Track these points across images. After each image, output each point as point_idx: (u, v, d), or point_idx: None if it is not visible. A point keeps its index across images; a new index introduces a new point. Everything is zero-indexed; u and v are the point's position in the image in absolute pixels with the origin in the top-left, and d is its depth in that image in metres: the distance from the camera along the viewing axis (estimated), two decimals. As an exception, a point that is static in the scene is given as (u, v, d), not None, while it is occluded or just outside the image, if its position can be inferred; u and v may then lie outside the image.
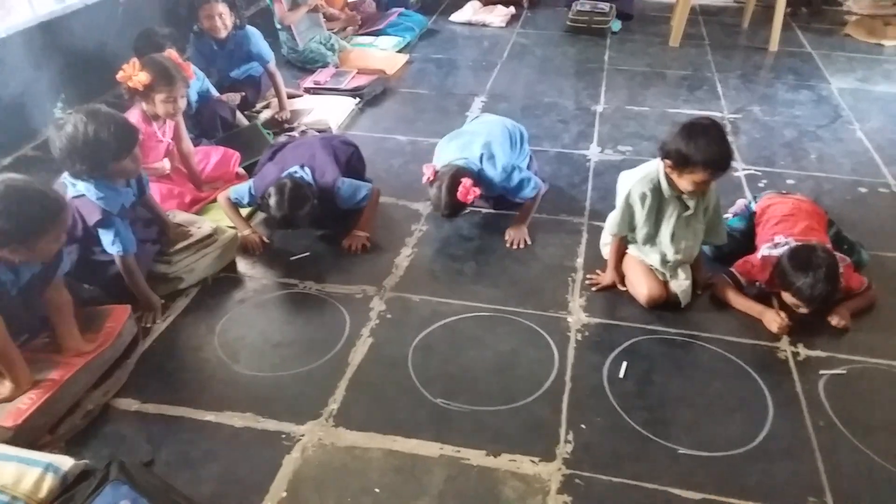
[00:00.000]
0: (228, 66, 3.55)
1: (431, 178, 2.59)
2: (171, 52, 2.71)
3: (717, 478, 1.74)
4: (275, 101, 3.61)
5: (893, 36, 5.06)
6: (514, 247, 2.64)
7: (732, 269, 2.38)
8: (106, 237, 2.10)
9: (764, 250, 2.34)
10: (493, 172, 2.65)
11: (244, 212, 2.72)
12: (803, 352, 2.16)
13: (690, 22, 5.11)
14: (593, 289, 2.42)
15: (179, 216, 2.49)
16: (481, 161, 2.64)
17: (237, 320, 2.25)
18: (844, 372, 2.07)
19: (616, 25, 5.18)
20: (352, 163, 2.88)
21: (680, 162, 2.14)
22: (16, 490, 1.51)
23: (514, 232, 2.68)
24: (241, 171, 3.01)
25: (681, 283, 2.33)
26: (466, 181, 2.51)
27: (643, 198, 2.27)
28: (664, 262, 2.34)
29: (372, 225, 2.69)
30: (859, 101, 4.04)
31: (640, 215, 2.30)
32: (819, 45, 4.99)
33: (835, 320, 2.24)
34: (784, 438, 1.86)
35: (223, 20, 3.38)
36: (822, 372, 2.07)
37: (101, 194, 2.08)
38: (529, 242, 2.66)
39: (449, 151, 2.72)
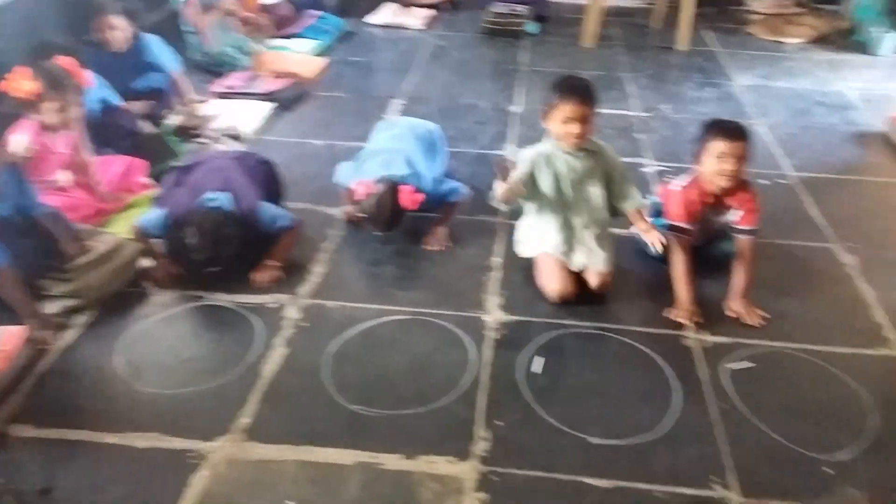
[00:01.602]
0: (129, 78, 3.40)
1: (367, 193, 2.48)
2: (63, 59, 2.57)
3: (627, 465, 1.79)
4: (181, 107, 3.50)
5: (794, 34, 5.33)
6: (436, 249, 2.64)
7: (668, 223, 2.41)
8: None
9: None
10: (425, 185, 2.61)
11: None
12: (708, 339, 2.24)
13: (603, 23, 5.24)
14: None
15: (80, 230, 2.38)
16: (405, 180, 2.56)
17: (141, 337, 2.17)
18: (753, 365, 2.15)
19: (532, 27, 5.27)
20: (269, 183, 2.70)
21: (547, 107, 2.35)
22: None
23: (434, 235, 2.68)
24: (146, 180, 2.91)
25: (595, 254, 2.40)
26: (406, 188, 2.48)
27: (537, 159, 2.39)
28: (567, 227, 2.41)
29: (285, 256, 2.51)
30: (761, 98, 4.23)
31: (524, 176, 2.36)
32: (724, 44, 5.21)
33: (749, 319, 2.32)
34: (690, 423, 1.93)
35: (119, 33, 3.25)
36: (728, 366, 2.13)
37: None
38: (450, 244, 2.66)
39: (371, 170, 2.60)
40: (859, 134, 3.77)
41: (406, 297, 2.39)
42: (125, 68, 3.38)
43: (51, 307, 2.20)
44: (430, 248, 2.64)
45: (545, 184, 2.41)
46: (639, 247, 2.62)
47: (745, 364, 2.14)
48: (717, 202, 2.41)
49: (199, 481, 1.69)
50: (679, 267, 2.36)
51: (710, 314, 2.32)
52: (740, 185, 2.38)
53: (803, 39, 5.27)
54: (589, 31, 5.03)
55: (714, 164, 2.32)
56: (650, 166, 3.34)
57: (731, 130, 2.33)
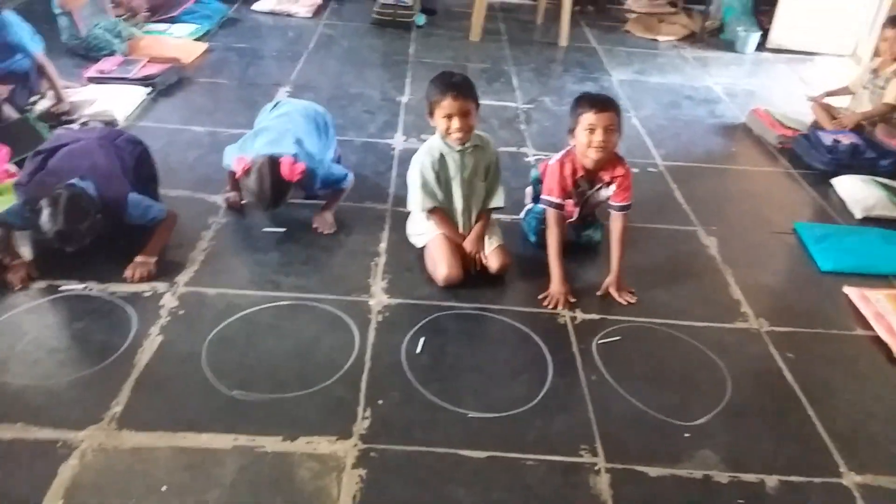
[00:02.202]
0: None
1: (246, 168, 2.44)
2: None
3: (502, 436, 1.88)
4: (50, 92, 3.32)
5: (667, 32, 5.67)
6: (323, 232, 2.64)
7: (544, 199, 2.49)
8: None
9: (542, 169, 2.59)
10: (316, 165, 2.59)
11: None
12: (580, 315, 2.38)
13: (490, 18, 5.39)
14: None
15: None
16: (297, 158, 2.53)
17: (6, 328, 2.07)
18: (618, 339, 2.29)
19: (420, 19, 5.33)
20: (140, 166, 2.56)
21: (430, 106, 2.42)
22: None
23: (321, 218, 2.68)
24: (11, 167, 2.74)
25: (489, 243, 2.51)
26: (287, 159, 2.43)
27: (430, 163, 2.46)
28: (461, 217, 2.53)
29: (159, 250, 2.41)
30: (635, 92, 4.49)
31: (434, 183, 2.46)
32: (603, 40, 5.47)
33: (620, 297, 2.45)
34: (561, 395, 2.04)
35: None
36: (598, 339, 2.27)
37: None
38: (335, 228, 2.68)
39: (256, 148, 2.56)
40: (722, 126, 4.07)
41: (291, 283, 2.39)
42: None
43: None
44: (320, 231, 2.64)
45: (440, 183, 2.49)
46: (522, 231, 2.75)
47: (613, 338, 2.29)
48: (591, 176, 2.49)
49: (67, 471, 1.64)
50: (553, 242, 2.45)
51: (582, 293, 2.46)
52: (613, 159, 2.46)
53: (675, 37, 5.62)
54: (476, 25, 5.14)
55: (584, 135, 2.38)
56: (532, 155, 3.48)
57: (600, 101, 2.38)
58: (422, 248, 2.57)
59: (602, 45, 5.36)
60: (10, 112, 3.08)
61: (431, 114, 2.43)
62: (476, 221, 2.55)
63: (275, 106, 2.89)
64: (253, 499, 1.63)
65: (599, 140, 2.37)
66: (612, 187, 2.49)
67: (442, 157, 2.48)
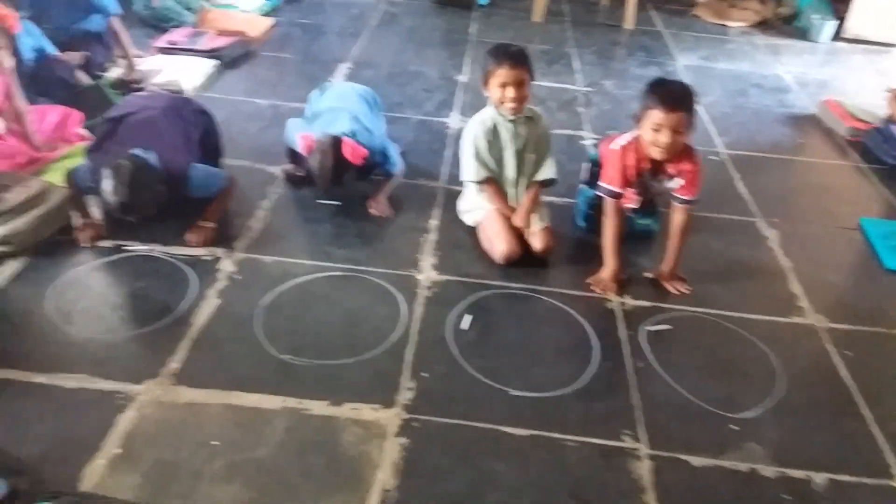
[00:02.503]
0: (66, 18, 3.31)
1: (310, 147, 2.50)
2: None
3: (543, 415, 1.88)
4: (122, 60, 3.44)
5: (738, 18, 5.49)
6: (380, 215, 2.65)
7: (602, 186, 2.38)
8: None
9: (606, 151, 2.42)
10: (371, 142, 2.61)
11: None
12: (629, 302, 2.35)
13: (554, -1, 5.31)
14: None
15: (5, 175, 2.33)
16: (355, 135, 2.57)
17: (73, 283, 2.17)
18: (669, 327, 2.25)
19: (483, -1, 5.30)
20: (206, 137, 2.60)
21: (485, 76, 2.44)
22: None
23: (377, 203, 2.68)
24: (82, 131, 2.86)
25: (535, 223, 2.49)
26: (350, 141, 2.48)
27: (483, 132, 2.47)
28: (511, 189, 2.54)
29: (220, 216, 2.48)
30: (701, 77, 4.37)
31: (486, 152, 2.48)
32: (670, 24, 5.34)
33: (672, 287, 2.40)
34: (606, 379, 2.03)
35: None
36: (648, 327, 2.24)
37: None
38: (392, 212, 2.68)
39: (318, 127, 2.60)
40: (791, 116, 3.93)
41: (342, 255, 2.43)
42: (62, 5, 3.28)
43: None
44: (376, 215, 2.65)
45: (493, 153, 2.50)
46: (576, 212, 2.73)
47: (663, 326, 2.26)
48: (657, 167, 2.36)
49: (125, 421, 1.72)
50: (609, 231, 2.38)
51: (633, 280, 2.43)
52: (683, 153, 2.32)
53: (746, 24, 5.43)
54: (539, 5, 5.08)
55: (649, 133, 2.24)
56: (589, 139, 3.44)
57: (672, 99, 2.19)
58: (474, 227, 2.58)
59: (669, 29, 5.22)
60: (84, 78, 3.20)
61: (486, 83, 2.44)
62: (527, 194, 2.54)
63: (322, 90, 2.90)
64: (298, 458, 1.68)
65: (665, 142, 2.22)
66: (678, 180, 2.36)
67: (495, 126, 2.48)
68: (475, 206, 2.57)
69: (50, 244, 2.31)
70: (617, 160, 2.35)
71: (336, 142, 2.46)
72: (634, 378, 2.04)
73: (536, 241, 2.47)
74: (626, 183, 2.36)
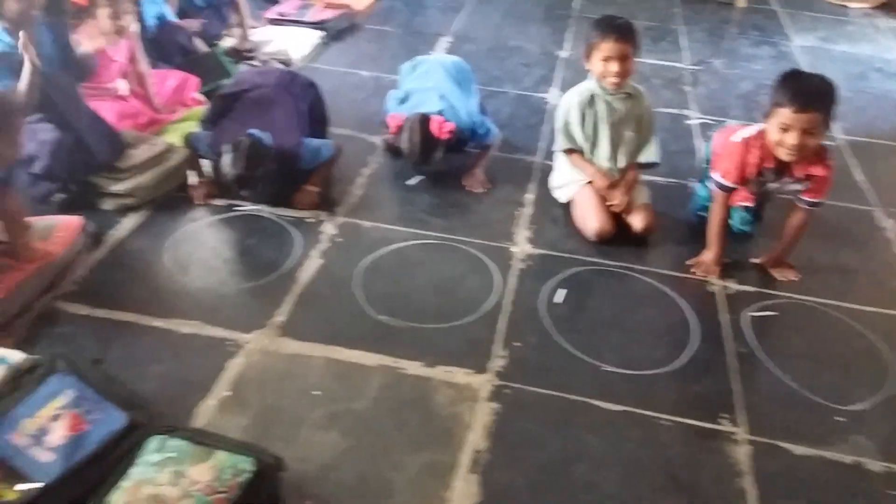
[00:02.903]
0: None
1: (398, 126, 2.54)
2: None
3: (636, 392, 1.86)
4: (236, 30, 3.58)
5: (860, -1, 5.15)
6: (474, 191, 2.65)
7: (715, 177, 2.23)
8: None
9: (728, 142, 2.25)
10: (459, 119, 2.62)
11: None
12: (733, 286, 2.28)
13: (662, -26, 5.12)
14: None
15: (131, 134, 2.49)
16: (442, 114, 2.56)
17: (188, 237, 2.30)
18: (774, 314, 2.17)
19: (588, -26, 5.17)
20: (313, 109, 2.69)
21: (588, 47, 2.39)
22: (-35, 379, 1.56)
23: (472, 177, 2.69)
24: (198, 96, 3.01)
25: (637, 198, 2.45)
26: (437, 117, 2.50)
27: (578, 102, 2.44)
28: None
29: (324, 181, 2.57)
30: (818, 59, 4.13)
31: (577, 125, 2.44)
32: (785, 3, 5.06)
33: (780, 275, 2.31)
34: (705, 362, 1.98)
35: None
36: (752, 312, 2.16)
37: None
38: (490, 186, 2.68)
39: (407, 107, 2.64)
40: (915, 102, 3.67)
41: (438, 224, 2.46)
42: None
43: (107, 204, 2.34)
44: (471, 190, 2.65)
45: (587, 126, 2.46)
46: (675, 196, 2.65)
47: (768, 312, 2.18)
48: (782, 168, 2.16)
49: (234, 366, 1.82)
50: (716, 221, 2.27)
51: (739, 263, 2.36)
52: (815, 155, 2.11)
53: (869, 5, 5.08)
54: (647, -20, 4.92)
55: (776, 132, 2.05)
56: (694, 119, 3.32)
57: (805, 97, 1.98)
58: (567, 203, 2.56)
59: (784, 7, 4.95)
60: (201, 45, 3.36)
61: (589, 56, 2.40)
62: (625, 174, 2.49)
63: (414, 66, 2.90)
64: (393, 414, 1.73)
65: (792, 143, 2.02)
66: (806, 184, 2.19)
67: (592, 98, 2.44)
68: (567, 181, 2.54)
69: (169, 199, 2.45)
70: (737, 154, 2.16)
71: (423, 119, 2.48)
72: (735, 363, 1.99)
73: (637, 221, 2.42)
74: (743, 180, 2.20)
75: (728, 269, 2.33)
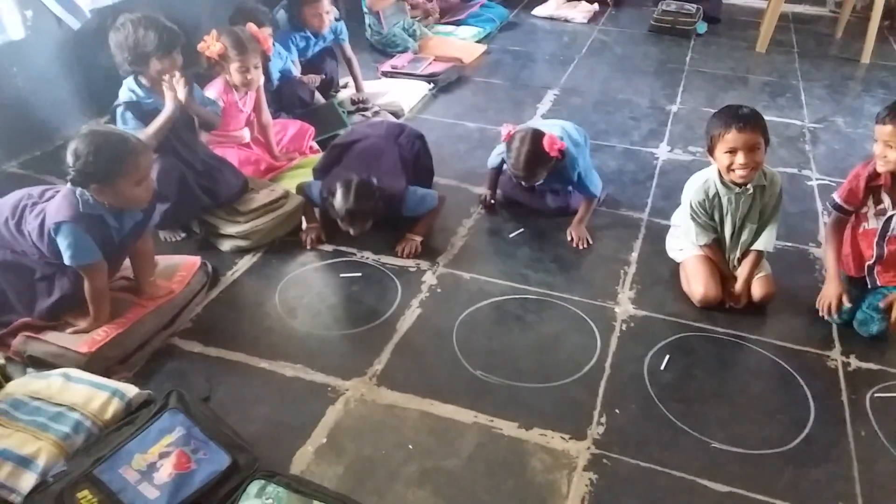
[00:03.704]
0: (317, 57, 3.68)
1: (510, 134, 2.53)
2: (251, 26, 2.83)
3: (747, 474, 1.74)
4: (351, 82, 3.75)
5: None
6: (578, 246, 2.62)
7: (833, 198, 2.27)
8: (118, 123, 2.36)
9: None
10: (574, 151, 2.60)
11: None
12: (854, 362, 2.12)
13: (780, 29, 4.97)
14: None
15: (252, 180, 2.63)
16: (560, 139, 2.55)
17: (297, 281, 2.39)
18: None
19: (702, 27, 5.10)
20: (419, 159, 2.79)
21: (710, 141, 2.23)
22: (85, 409, 1.66)
23: (577, 230, 2.66)
24: (314, 145, 3.16)
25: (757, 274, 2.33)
26: (550, 134, 2.47)
27: (700, 203, 2.31)
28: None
29: (427, 231, 2.62)
30: (954, 119, 3.84)
31: (705, 218, 2.33)
32: (915, 59, 4.78)
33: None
34: (822, 444, 1.84)
35: (327, 17, 3.51)
36: (874, 392, 2.01)
37: (130, 87, 2.37)
38: (591, 242, 2.64)
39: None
40: None
41: (538, 279, 2.44)
42: (318, 48, 3.67)
43: (224, 245, 2.48)
44: (575, 244, 2.62)
45: (712, 223, 2.35)
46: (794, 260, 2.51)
47: (893, 393, 2.01)
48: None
49: (333, 414, 1.85)
50: (828, 241, 2.29)
51: (859, 338, 2.19)
52: None
53: None
54: (765, 34, 4.78)
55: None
56: (815, 180, 3.16)
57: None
58: (678, 264, 2.47)
59: (914, 64, 4.68)
60: (319, 98, 3.53)
61: (712, 151, 2.24)
62: (742, 259, 2.36)
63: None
64: (487, 476, 1.70)
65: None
66: None
67: (717, 195, 2.29)
68: (685, 246, 2.45)
69: (282, 244, 2.56)
70: (853, 172, 2.22)
71: (536, 132, 2.48)
72: (854, 447, 1.83)
73: (757, 289, 2.30)
74: (852, 199, 2.21)
75: (848, 341, 2.19)
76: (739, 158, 2.15)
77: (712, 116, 2.25)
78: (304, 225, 2.61)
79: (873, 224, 2.21)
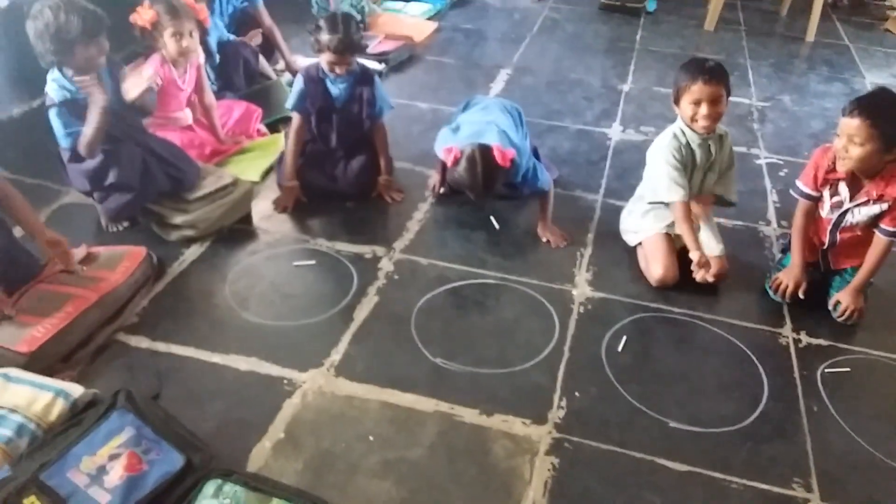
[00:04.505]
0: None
1: (456, 158, 2.36)
2: None
3: (705, 452, 1.77)
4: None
5: (936, 33, 4.95)
6: (558, 246, 2.52)
7: (798, 185, 2.29)
8: (56, 126, 2.26)
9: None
10: (520, 155, 2.47)
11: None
12: (805, 339, 2.17)
13: (728, 6, 5.03)
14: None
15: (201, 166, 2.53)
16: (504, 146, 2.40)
17: (249, 270, 2.31)
18: (847, 370, 2.07)
19: (651, 5, 5.11)
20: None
21: (676, 92, 2.31)
22: (27, 411, 1.58)
23: (547, 231, 2.56)
24: (262, 127, 3.05)
25: (713, 248, 2.34)
26: (497, 145, 2.33)
27: (674, 148, 2.33)
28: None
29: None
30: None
31: (681, 171, 2.33)
32: (857, 38, 4.90)
33: (850, 314, 2.20)
34: (776, 420, 1.88)
35: None
36: (825, 367, 2.06)
37: (59, 83, 2.20)
38: (568, 240, 2.54)
39: (462, 138, 2.50)
40: None
41: (496, 263, 2.42)
42: (230, 7, 3.46)
43: (170, 235, 2.38)
44: (554, 247, 2.52)
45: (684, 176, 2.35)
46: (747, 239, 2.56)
47: (841, 368, 2.07)
48: (855, 185, 2.17)
49: (290, 407, 1.80)
50: (796, 232, 2.29)
51: (811, 313, 2.25)
52: (892, 175, 2.09)
53: (947, 39, 4.88)
54: (713, 12, 4.83)
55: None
56: (763, 158, 3.22)
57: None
58: (634, 246, 2.48)
59: (855, 43, 4.79)
60: (267, 67, 3.40)
61: (677, 100, 2.31)
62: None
63: (465, 106, 2.79)
64: (450, 464, 1.68)
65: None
66: (883, 206, 2.14)
67: (688, 144, 2.34)
68: (640, 228, 2.46)
69: (231, 232, 2.47)
70: (813, 159, 2.26)
71: (483, 148, 2.33)
72: (807, 422, 1.88)
73: (712, 268, 2.31)
74: (815, 184, 2.25)
75: (809, 293, 2.24)
76: (703, 109, 2.24)
77: (679, 68, 2.32)
78: (286, 182, 2.62)
79: (828, 214, 2.26)
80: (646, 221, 2.45)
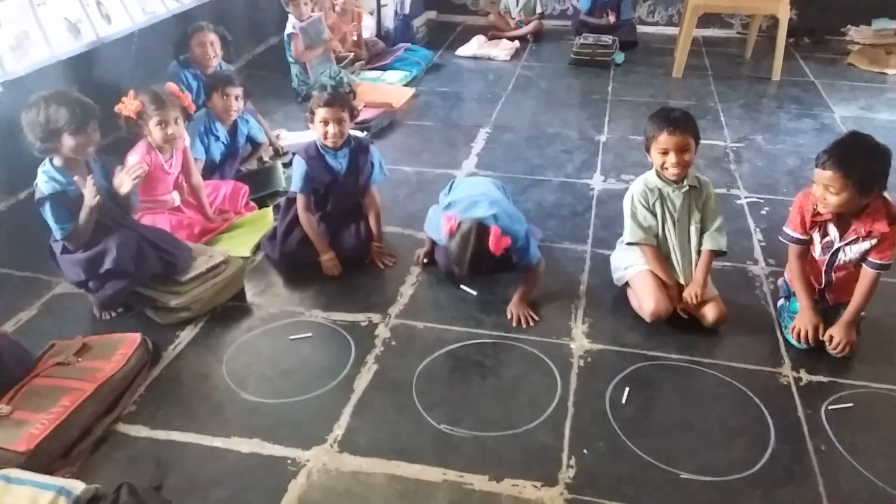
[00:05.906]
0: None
1: (453, 228, 2.28)
2: (171, 85, 2.77)
3: (719, 503, 1.75)
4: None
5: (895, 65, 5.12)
6: (519, 325, 2.40)
7: (787, 232, 2.32)
8: (49, 220, 2.25)
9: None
10: (514, 228, 2.36)
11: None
12: (805, 376, 2.17)
13: (693, 53, 5.20)
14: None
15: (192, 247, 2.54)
16: (497, 219, 2.33)
17: (245, 348, 2.30)
18: (850, 405, 2.07)
19: (619, 58, 5.27)
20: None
21: (646, 141, 2.39)
22: (29, 514, 1.54)
23: (519, 307, 2.45)
24: (250, 202, 3.08)
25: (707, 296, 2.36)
26: (496, 229, 2.23)
27: (640, 192, 2.41)
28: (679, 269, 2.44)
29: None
30: (861, 129, 4.04)
31: (642, 217, 2.40)
32: (822, 74, 5.06)
33: (840, 347, 2.21)
34: (785, 463, 1.87)
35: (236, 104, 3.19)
36: (828, 405, 2.06)
37: (49, 175, 2.21)
38: (537, 319, 2.43)
39: (460, 211, 2.40)
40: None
41: (492, 322, 2.42)
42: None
43: (165, 319, 2.36)
44: (514, 325, 2.41)
45: (656, 218, 2.42)
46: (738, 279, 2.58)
47: (845, 404, 2.06)
48: (843, 224, 2.20)
49: (296, 488, 1.77)
50: (794, 273, 2.31)
51: (809, 350, 2.26)
52: (877, 211, 2.14)
53: (908, 70, 5.06)
54: (679, 60, 4.99)
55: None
56: (744, 198, 3.28)
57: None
58: (624, 288, 2.51)
59: (821, 79, 4.95)
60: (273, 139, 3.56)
61: (648, 149, 2.39)
62: (696, 266, 2.41)
63: (450, 187, 2.73)
64: (463, 536, 1.65)
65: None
66: (873, 242, 2.17)
67: (659, 192, 2.40)
68: (629, 264, 2.48)
69: (224, 310, 2.46)
70: (797, 204, 2.30)
71: (481, 228, 2.23)
72: (816, 462, 1.87)
73: (709, 313, 2.34)
74: (803, 227, 2.29)
75: (796, 355, 2.25)
76: (671, 158, 2.32)
77: (648, 118, 2.41)
78: (323, 257, 2.66)
79: (820, 255, 2.30)
80: (630, 259, 2.48)
